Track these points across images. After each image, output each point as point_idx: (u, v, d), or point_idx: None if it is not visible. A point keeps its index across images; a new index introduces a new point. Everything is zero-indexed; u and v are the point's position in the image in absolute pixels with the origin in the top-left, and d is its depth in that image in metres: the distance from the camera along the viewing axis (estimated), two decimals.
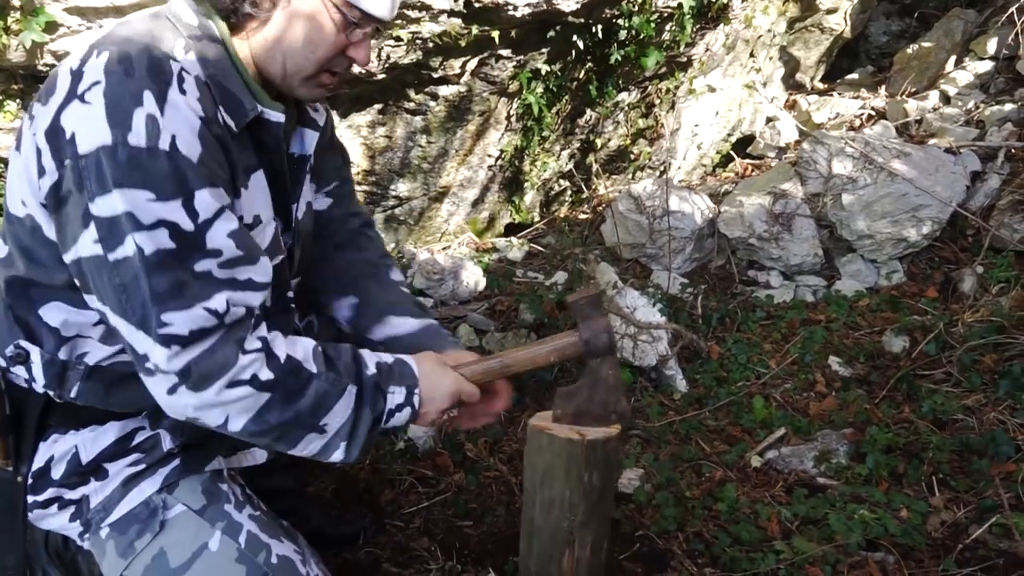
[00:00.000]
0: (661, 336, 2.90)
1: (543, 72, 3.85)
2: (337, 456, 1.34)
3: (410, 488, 2.30)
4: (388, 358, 1.41)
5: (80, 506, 1.35)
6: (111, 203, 1.11)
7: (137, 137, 1.11)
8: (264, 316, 1.27)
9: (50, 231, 1.21)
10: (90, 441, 1.36)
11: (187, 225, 1.15)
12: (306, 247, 1.60)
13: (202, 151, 1.16)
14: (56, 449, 1.34)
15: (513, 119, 4.10)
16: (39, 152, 1.16)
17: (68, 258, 1.19)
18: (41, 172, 1.16)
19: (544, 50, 3.76)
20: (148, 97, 1.12)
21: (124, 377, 1.32)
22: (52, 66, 2.71)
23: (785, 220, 3.72)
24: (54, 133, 1.14)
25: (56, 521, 1.36)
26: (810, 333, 3.14)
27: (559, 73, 3.95)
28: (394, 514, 2.19)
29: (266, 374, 1.22)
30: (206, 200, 1.16)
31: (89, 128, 1.11)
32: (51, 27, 2.59)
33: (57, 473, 1.34)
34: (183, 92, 1.17)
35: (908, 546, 1.99)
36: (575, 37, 3.75)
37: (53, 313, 1.28)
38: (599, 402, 1.51)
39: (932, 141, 4.08)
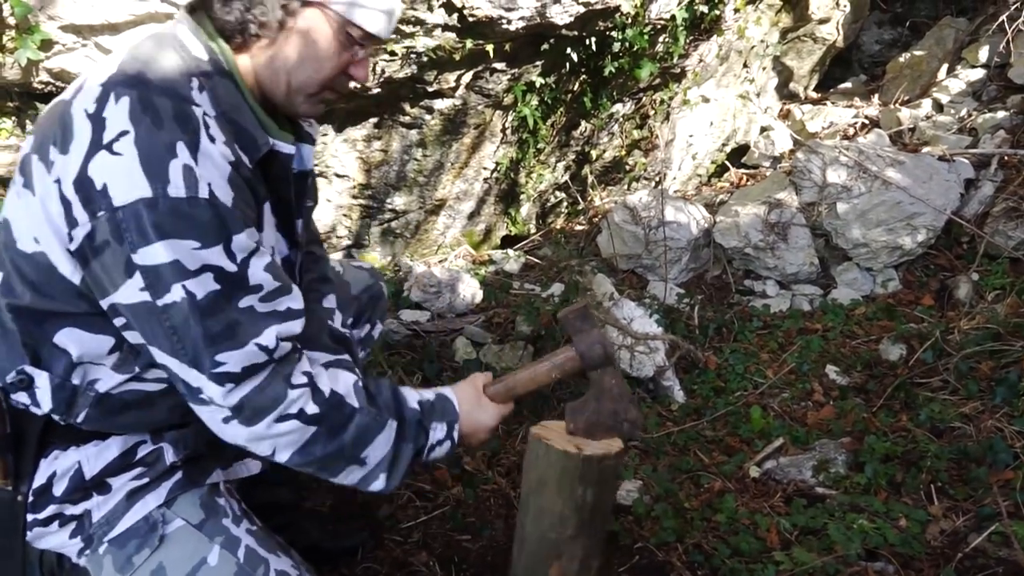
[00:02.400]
0: (658, 347, 2.90)
1: (538, 85, 3.87)
2: (377, 486, 1.39)
3: (408, 502, 2.29)
4: (430, 394, 1.47)
5: (82, 521, 1.35)
6: (156, 253, 1.14)
7: (176, 189, 1.13)
8: (303, 347, 1.33)
9: (73, 275, 1.22)
10: (94, 456, 1.35)
11: (230, 268, 1.19)
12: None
13: (234, 196, 1.20)
14: (58, 465, 1.34)
15: (508, 132, 4.11)
16: (67, 203, 1.16)
17: (105, 303, 1.21)
18: (73, 224, 1.16)
19: (538, 63, 3.78)
20: (182, 148, 1.15)
21: (132, 404, 1.33)
22: (47, 84, 2.72)
23: (780, 229, 3.73)
24: (82, 184, 1.14)
25: (56, 539, 1.35)
26: (807, 342, 3.14)
27: (554, 86, 3.96)
28: (392, 528, 2.19)
29: (312, 408, 1.28)
30: (243, 241, 1.20)
31: (124, 180, 1.12)
32: (46, 45, 2.59)
33: (59, 489, 1.33)
34: (212, 139, 1.19)
35: (907, 555, 1.98)
36: (569, 50, 3.77)
37: (68, 339, 1.27)
38: (608, 412, 1.51)
39: (926, 149, 4.10)
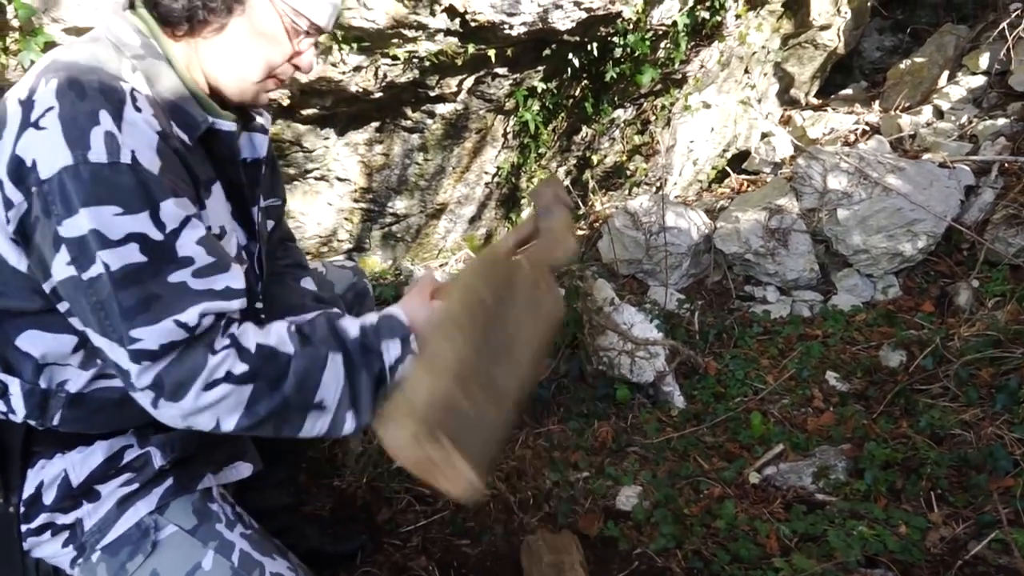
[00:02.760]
0: (658, 352, 2.90)
1: (539, 90, 3.88)
2: (349, 427, 1.28)
3: (407, 506, 2.29)
4: (372, 317, 1.36)
5: (74, 530, 1.34)
6: (78, 223, 1.11)
7: (97, 154, 1.11)
8: (238, 319, 1.25)
9: (20, 262, 1.20)
10: (79, 463, 1.34)
11: (156, 236, 1.14)
12: (268, 250, 1.60)
13: (162, 164, 1.17)
14: (45, 474, 1.33)
15: (510, 136, 4.12)
16: (2, 185, 1.15)
17: (47, 286, 1.19)
18: (8, 205, 1.15)
19: (540, 68, 3.79)
20: (104, 116, 1.13)
21: (106, 403, 1.32)
22: None
23: (781, 235, 3.74)
24: (14, 164, 1.13)
25: (49, 548, 1.35)
26: (807, 348, 3.14)
27: (555, 91, 3.97)
28: (391, 533, 2.19)
29: (240, 368, 1.19)
30: (172, 210, 1.16)
31: (48, 152, 1.11)
32: (49, 47, 2.60)
33: (49, 498, 1.33)
34: (138, 110, 1.17)
35: (907, 562, 1.98)
36: (571, 55, 3.78)
37: (30, 341, 1.26)
38: (549, 241, 1.38)
39: (926, 156, 4.11)
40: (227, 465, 1.49)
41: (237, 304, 1.23)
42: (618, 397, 2.86)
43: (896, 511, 2.18)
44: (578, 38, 3.67)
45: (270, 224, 1.64)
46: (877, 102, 5.39)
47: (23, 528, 1.32)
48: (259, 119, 1.52)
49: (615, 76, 3.95)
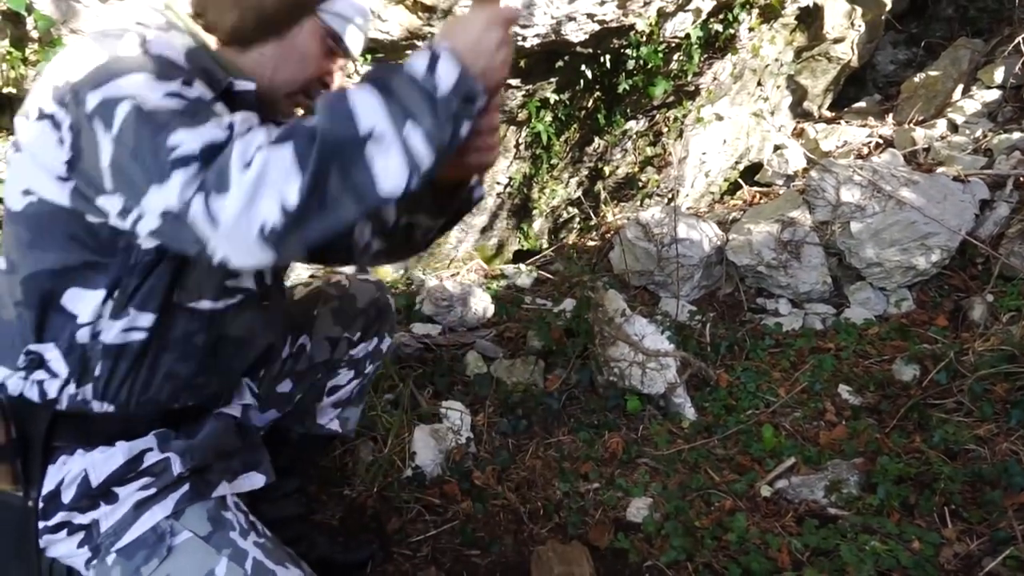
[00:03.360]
0: (669, 364, 2.89)
1: (552, 101, 3.89)
2: (419, 144, 1.07)
3: (417, 516, 2.29)
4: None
5: (90, 531, 1.35)
6: (103, 92, 1.13)
7: (127, 48, 1.19)
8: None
9: (67, 199, 1.23)
10: (100, 463, 1.36)
11: (190, 94, 1.15)
12: None
13: (189, 67, 1.25)
14: (66, 471, 1.35)
15: (522, 147, 4.13)
16: (50, 117, 1.20)
17: (99, 200, 1.19)
18: (57, 127, 1.19)
19: (553, 79, 3.80)
20: (132, 37, 1.22)
21: (136, 354, 1.34)
22: None
23: (793, 248, 3.73)
24: (55, 94, 1.19)
25: (64, 547, 1.36)
26: (819, 361, 3.13)
27: (568, 102, 3.98)
28: (401, 543, 2.19)
29: (262, 136, 1.07)
30: (201, 90, 1.19)
31: (82, 67, 1.17)
32: None
33: (67, 496, 1.34)
34: (170, 47, 1.26)
35: None
36: (583, 67, 3.79)
37: (73, 299, 1.30)
38: None
39: (940, 169, 4.09)
40: (242, 474, 1.50)
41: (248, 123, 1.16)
42: (629, 408, 2.86)
43: (909, 526, 2.17)
44: (591, 50, 3.69)
45: None
46: (891, 115, 5.38)
47: (40, 524, 1.34)
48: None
49: (628, 88, 3.96)
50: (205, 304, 1.41)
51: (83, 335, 1.31)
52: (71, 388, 1.33)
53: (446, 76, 1.09)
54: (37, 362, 1.31)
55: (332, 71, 1.44)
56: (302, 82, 1.41)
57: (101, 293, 1.29)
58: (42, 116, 1.21)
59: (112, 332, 1.32)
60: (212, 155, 1.05)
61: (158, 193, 1.06)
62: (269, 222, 1.02)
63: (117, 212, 1.18)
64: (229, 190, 1.02)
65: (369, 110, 1.06)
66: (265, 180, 1.02)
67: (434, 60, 1.10)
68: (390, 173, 1.06)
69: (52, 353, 1.32)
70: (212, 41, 1.35)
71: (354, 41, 1.41)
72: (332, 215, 1.05)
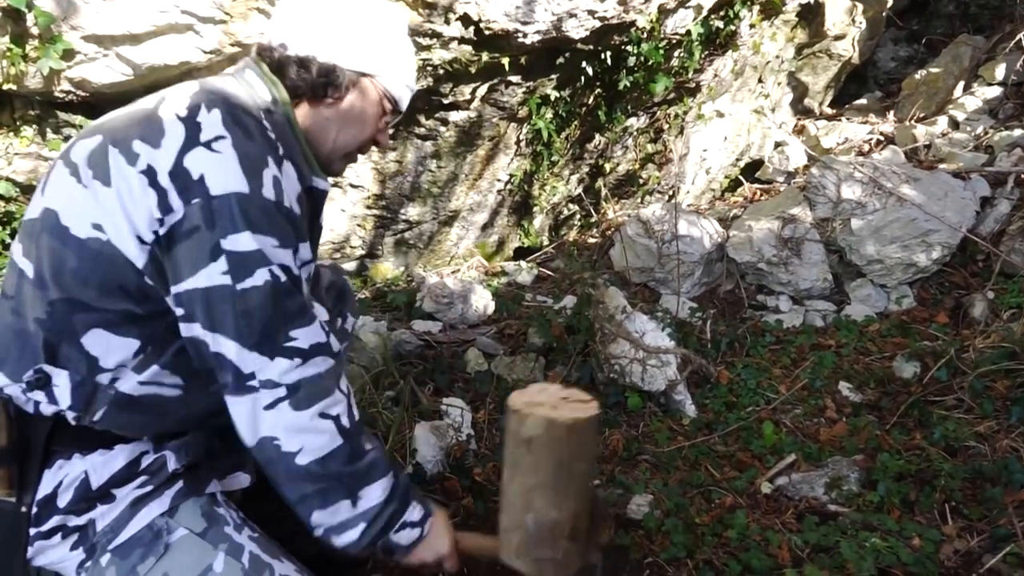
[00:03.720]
0: (670, 361, 2.89)
1: (552, 98, 3.89)
2: (349, 536, 1.37)
3: None
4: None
5: (85, 531, 1.35)
6: (244, 241, 1.24)
7: (268, 192, 1.26)
8: None
9: (139, 259, 1.26)
10: (100, 465, 1.36)
11: (295, 271, 1.31)
12: None
13: (300, 214, 1.35)
14: (63, 475, 1.34)
15: (523, 144, 4.13)
16: (162, 191, 1.23)
17: (180, 288, 1.25)
18: (166, 210, 1.23)
19: (553, 76, 3.80)
20: (271, 161, 1.29)
21: (147, 407, 1.36)
22: (68, 92, 2.76)
23: (794, 245, 3.73)
24: (178, 174, 1.23)
25: (56, 553, 1.35)
26: (820, 358, 3.13)
27: (568, 99, 3.98)
28: None
29: (346, 421, 1.34)
30: (305, 252, 1.35)
31: (223, 174, 1.23)
32: (68, 54, 2.63)
33: (64, 500, 1.33)
34: (289, 161, 1.35)
35: (921, 575, 1.96)
36: (584, 64, 3.79)
37: (95, 341, 1.30)
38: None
39: (941, 166, 4.09)
40: (230, 473, 1.54)
41: (337, 344, 1.39)
42: (629, 405, 2.86)
43: (909, 523, 2.17)
44: (592, 47, 3.68)
45: None
46: (892, 112, 5.37)
47: (32, 531, 1.33)
48: None
49: (628, 85, 3.96)
50: None
51: (103, 378, 1.33)
52: (67, 415, 1.33)
53: (402, 537, 1.42)
54: (43, 382, 1.31)
55: (382, 129, 1.57)
56: (360, 143, 1.55)
57: (134, 344, 1.32)
58: (149, 175, 1.24)
59: (131, 383, 1.34)
60: (315, 352, 1.31)
61: (255, 360, 1.27)
62: (279, 444, 1.29)
63: (178, 311, 1.28)
64: (299, 411, 1.29)
65: (374, 494, 1.37)
66: (313, 436, 1.30)
67: (416, 528, 1.43)
68: (333, 519, 1.35)
69: (62, 380, 1.31)
70: (296, 113, 1.45)
71: (404, 98, 1.55)
72: (291, 484, 1.33)
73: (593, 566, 1.46)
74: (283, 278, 1.28)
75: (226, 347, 1.26)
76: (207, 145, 1.24)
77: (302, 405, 1.29)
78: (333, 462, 1.32)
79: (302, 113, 1.47)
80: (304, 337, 1.30)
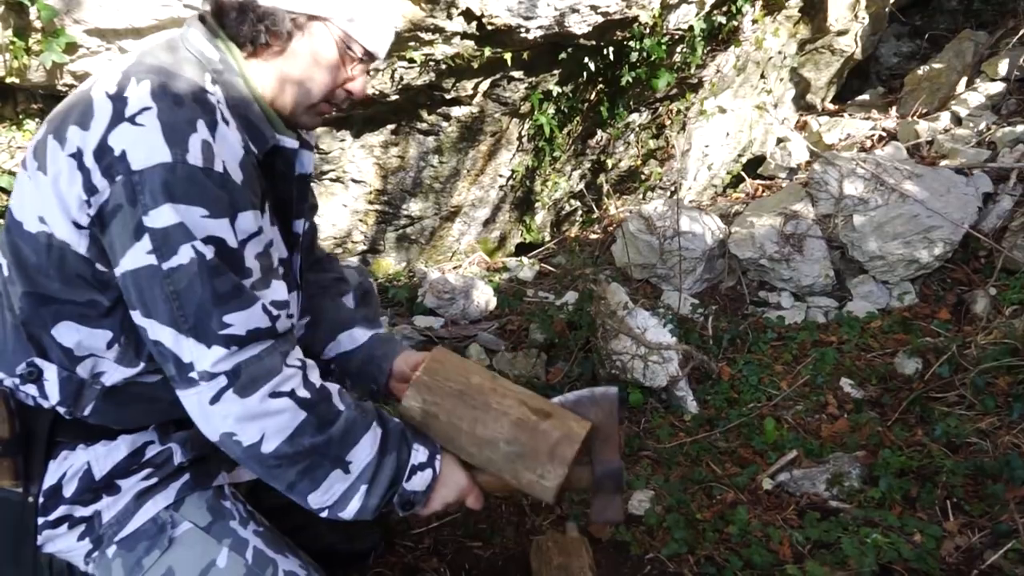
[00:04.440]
0: (672, 357, 2.89)
1: (555, 93, 3.88)
2: (355, 504, 1.32)
3: None
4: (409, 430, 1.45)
5: (91, 522, 1.36)
6: (165, 215, 1.15)
7: (195, 158, 1.17)
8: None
9: (80, 245, 1.23)
10: (103, 456, 1.36)
11: (232, 243, 1.21)
12: (310, 261, 1.68)
13: (244, 177, 1.24)
14: (67, 466, 1.35)
15: (525, 139, 4.12)
16: (87, 172, 1.18)
17: (118, 272, 1.21)
18: (91, 191, 1.18)
19: (556, 72, 3.79)
20: (201, 125, 1.20)
21: (139, 398, 1.34)
22: (72, 86, 2.75)
23: (796, 241, 3.72)
24: (102, 152, 1.17)
25: (64, 542, 1.36)
26: (821, 355, 3.13)
27: (570, 94, 3.97)
28: (404, 534, 2.19)
29: (303, 392, 1.26)
30: (247, 221, 1.23)
31: (145, 147, 1.16)
32: (71, 48, 2.63)
33: (69, 490, 1.34)
34: (227, 123, 1.25)
35: (922, 571, 1.96)
36: (587, 59, 3.78)
37: (66, 332, 1.29)
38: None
39: (944, 162, 4.08)
40: (239, 465, 1.51)
41: (284, 316, 1.29)
42: (631, 401, 2.86)
43: (911, 519, 2.17)
44: (594, 42, 3.67)
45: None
46: (894, 108, 5.36)
47: (40, 520, 1.34)
48: (306, 135, 1.57)
49: (631, 80, 3.95)
50: None
51: (83, 371, 1.31)
52: (60, 409, 1.33)
53: (417, 483, 1.38)
54: (35, 376, 1.31)
55: (352, 77, 1.41)
56: (320, 93, 1.39)
57: (106, 335, 1.29)
58: (77, 158, 1.19)
59: (116, 376, 1.32)
60: (253, 338, 1.23)
61: (191, 348, 1.20)
62: (239, 439, 1.23)
63: (127, 298, 1.23)
64: (247, 398, 1.21)
65: (363, 452, 1.31)
66: (270, 419, 1.23)
67: (427, 468, 1.39)
68: (327, 495, 1.30)
69: (52, 375, 1.31)
70: (250, 69, 1.34)
71: (373, 42, 1.38)
72: (273, 476, 1.28)
73: (615, 471, 1.51)
74: (209, 255, 1.18)
75: (163, 334, 1.20)
76: (131, 120, 1.17)
77: (247, 390, 1.21)
78: (303, 437, 1.25)
79: (255, 67, 1.36)
80: (241, 322, 1.21)
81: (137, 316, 1.22)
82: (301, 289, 1.60)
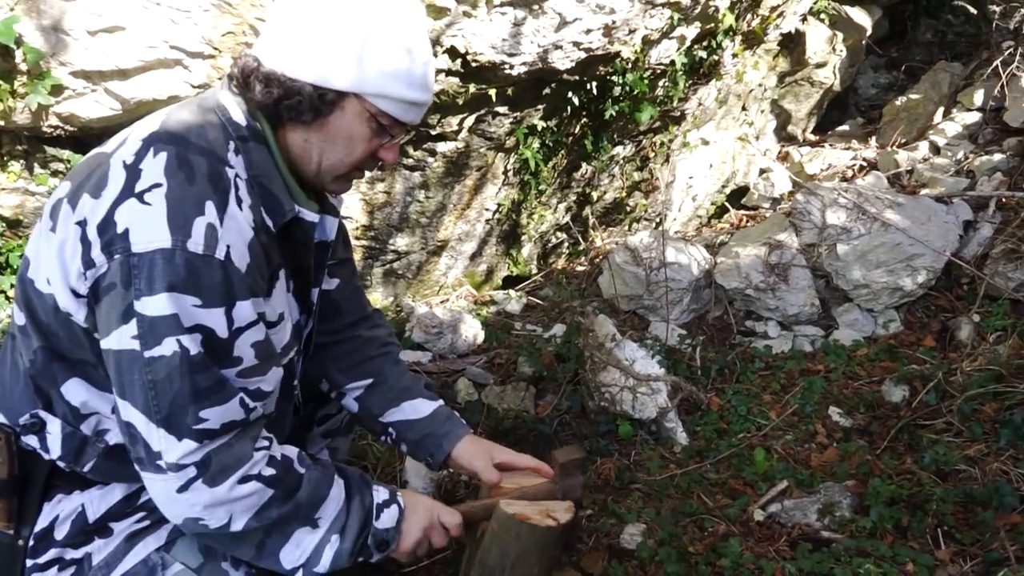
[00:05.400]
0: (660, 388, 2.90)
1: (539, 128, 3.92)
2: (328, 554, 1.33)
3: None
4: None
5: (82, 565, 1.34)
6: (158, 304, 1.14)
7: (195, 244, 1.15)
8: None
9: (80, 317, 1.23)
10: (97, 499, 1.35)
11: (222, 333, 1.19)
12: (363, 317, 1.76)
13: (250, 262, 1.22)
14: (61, 509, 1.34)
15: (510, 173, 4.15)
16: (88, 244, 1.17)
17: (102, 346, 1.21)
18: (89, 264, 1.18)
19: (540, 106, 3.84)
20: (210, 207, 1.17)
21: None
22: (56, 127, 2.76)
23: (781, 270, 3.75)
24: (106, 226, 1.16)
25: None
26: (809, 383, 3.14)
27: (555, 128, 4.01)
28: (394, 573, 2.16)
29: (268, 471, 1.27)
30: (245, 310, 1.22)
31: (147, 228, 1.14)
32: (56, 90, 2.64)
33: (61, 533, 1.33)
34: (239, 202, 1.22)
35: None
36: (570, 94, 3.83)
37: (74, 390, 1.29)
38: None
39: (924, 191, 4.14)
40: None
41: (260, 407, 1.29)
42: (620, 433, 2.85)
43: (903, 548, 2.16)
44: (577, 77, 3.72)
45: (335, 294, 1.73)
46: (874, 138, 5.45)
47: (29, 563, 1.32)
48: (332, 200, 1.57)
49: (614, 114, 4.00)
50: None
51: (87, 429, 1.31)
52: (60, 464, 1.32)
53: (386, 519, 1.41)
54: (38, 428, 1.30)
55: (384, 145, 1.39)
56: (351, 164, 1.38)
57: (110, 397, 1.27)
58: (82, 227, 1.18)
59: (116, 435, 1.32)
60: (226, 431, 1.22)
61: (162, 438, 1.19)
62: (206, 523, 1.23)
63: (108, 371, 1.22)
64: (216, 487, 1.21)
65: (331, 508, 1.34)
66: (238, 503, 1.24)
67: (392, 504, 1.42)
68: (298, 550, 1.31)
69: (55, 428, 1.31)
70: (268, 126, 1.32)
71: (404, 113, 1.35)
72: (240, 547, 1.29)
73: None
74: (194, 350, 1.16)
75: (135, 418, 1.20)
76: (140, 196, 1.16)
77: (217, 480, 1.21)
78: (270, 511, 1.27)
79: (283, 136, 1.34)
80: (216, 417, 1.20)
81: (114, 392, 1.22)
82: (307, 354, 1.62)
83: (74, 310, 1.23)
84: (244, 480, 1.23)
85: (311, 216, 1.39)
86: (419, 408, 1.72)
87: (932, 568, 2.08)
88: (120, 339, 1.17)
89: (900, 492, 2.38)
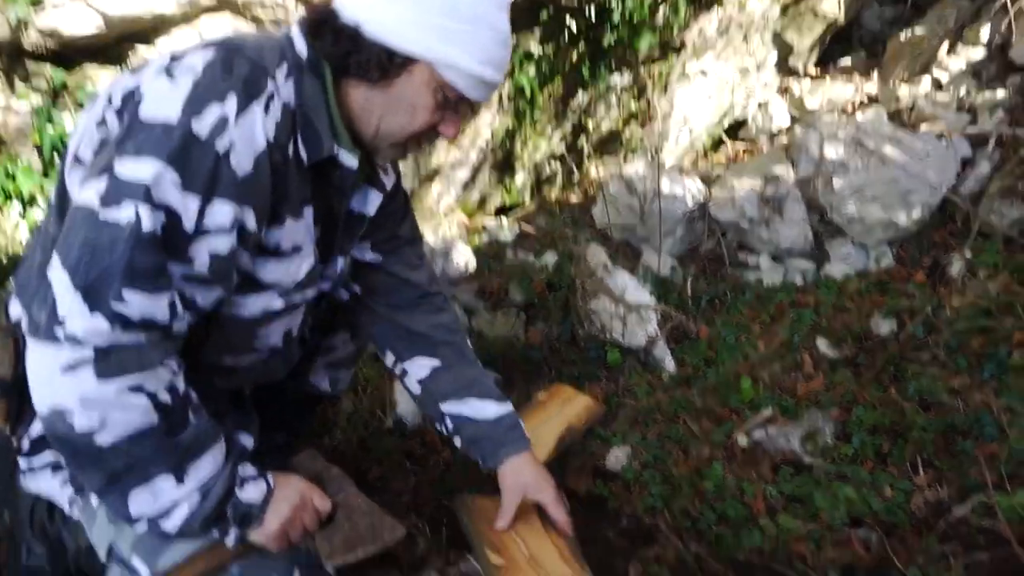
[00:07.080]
0: (650, 317, 2.91)
1: (535, 54, 3.84)
2: (182, 513, 1.23)
3: (398, 465, 2.30)
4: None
5: None
6: (137, 168, 1.09)
7: (200, 127, 1.11)
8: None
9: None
10: None
11: (187, 224, 1.13)
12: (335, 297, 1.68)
13: (250, 172, 1.16)
14: None
15: (505, 100, 4.09)
16: (109, 106, 1.18)
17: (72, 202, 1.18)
18: (100, 123, 1.18)
19: (537, 32, 3.75)
20: (231, 99, 1.13)
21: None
22: (37, 43, 2.69)
23: (776, 203, 3.73)
24: (131, 95, 1.15)
25: (46, 484, 1.36)
26: (799, 315, 3.15)
27: (551, 55, 3.94)
28: (382, 490, 2.20)
29: (164, 396, 1.17)
30: (221, 214, 1.15)
31: (162, 99, 1.12)
32: (37, 2, 2.56)
33: None
34: (266, 112, 1.17)
35: (891, 523, 2.00)
36: (568, 19, 3.74)
37: None
38: (365, 526, 1.51)
39: (924, 127, 4.09)
40: (234, 431, 1.51)
41: (186, 320, 1.20)
42: (609, 360, 2.87)
43: (882, 474, 2.20)
44: (576, 2, 3.63)
45: (379, 269, 1.70)
46: (876, 73, 5.36)
47: (24, 463, 1.34)
48: (383, 176, 1.52)
49: (612, 42, 3.92)
50: (228, 361, 1.43)
51: None
52: None
53: (252, 493, 1.32)
54: None
55: (447, 119, 1.34)
56: (410, 133, 1.33)
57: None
58: (110, 96, 1.20)
59: None
60: (143, 327, 1.12)
61: (73, 304, 1.08)
62: (72, 420, 1.11)
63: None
64: (103, 383, 1.10)
65: (204, 470, 1.23)
66: (119, 413, 1.12)
67: (259, 480, 1.35)
68: (150, 499, 1.20)
69: None
70: (328, 72, 1.28)
71: (473, 90, 1.31)
72: (91, 467, 1.17)
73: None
74: (149, 227, 1.08)
75: (57, 276, 1.10)
76: (170, 73, 1.14)
77: (108, 374, 1.10)
78: (145, 441, 1.16)
79: (344, 86, 1.30)
80: (138, 305, 1.10)
81: (55, 247, 1.14)
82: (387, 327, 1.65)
83: (70, 182, 1.23)
84: (136, 390, 1.13)
85: (349, 160, 1.35)
86: (484, 410, 1.69)
87: (910, 493, 2.12)
88: (87, 194, 1.11)
89: (883, 420, 2.42)
